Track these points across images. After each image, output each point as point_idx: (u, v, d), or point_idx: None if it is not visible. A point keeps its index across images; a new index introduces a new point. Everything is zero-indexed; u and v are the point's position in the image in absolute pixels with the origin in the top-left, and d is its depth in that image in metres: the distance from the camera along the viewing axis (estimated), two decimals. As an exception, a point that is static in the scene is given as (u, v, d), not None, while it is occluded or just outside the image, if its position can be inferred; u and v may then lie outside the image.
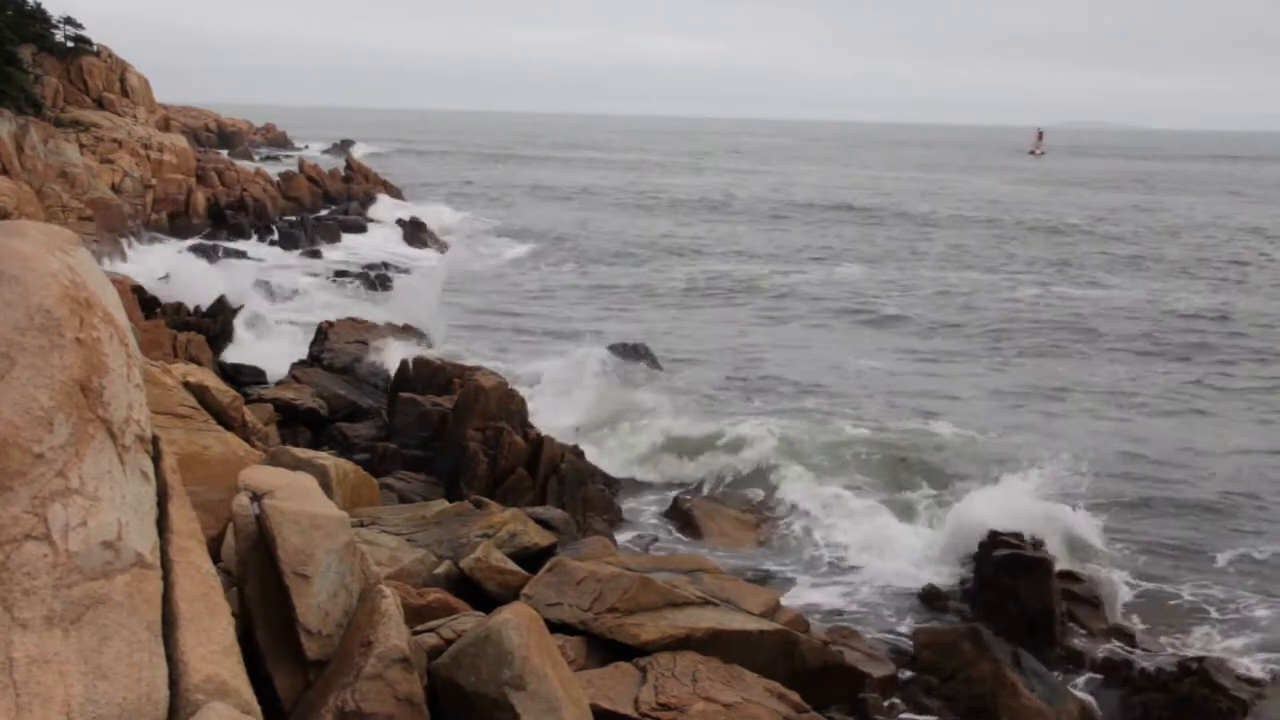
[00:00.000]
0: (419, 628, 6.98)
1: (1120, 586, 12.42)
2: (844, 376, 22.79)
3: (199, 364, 15.79)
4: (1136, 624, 11.87)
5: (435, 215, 49.77)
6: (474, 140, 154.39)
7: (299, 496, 6.00)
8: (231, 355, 20.00)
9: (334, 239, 41.79)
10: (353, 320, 22.00)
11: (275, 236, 40.43)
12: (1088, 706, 10.24)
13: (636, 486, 16.17)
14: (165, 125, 51.71)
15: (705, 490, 15.92)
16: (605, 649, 8.34)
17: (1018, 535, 12.61)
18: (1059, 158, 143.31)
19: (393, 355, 18.96)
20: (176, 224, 39.27)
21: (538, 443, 14.74)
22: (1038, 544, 12.41)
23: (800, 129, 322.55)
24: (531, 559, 9.77)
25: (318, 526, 5.80)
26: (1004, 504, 13.61)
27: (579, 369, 19.44)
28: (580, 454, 15.19)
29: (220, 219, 40.93)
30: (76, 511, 4.13)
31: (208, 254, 32.92)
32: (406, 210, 50.51)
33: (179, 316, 21.68)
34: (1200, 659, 10.66)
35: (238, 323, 21.91)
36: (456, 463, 14.56)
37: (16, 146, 29.64)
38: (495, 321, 27.99)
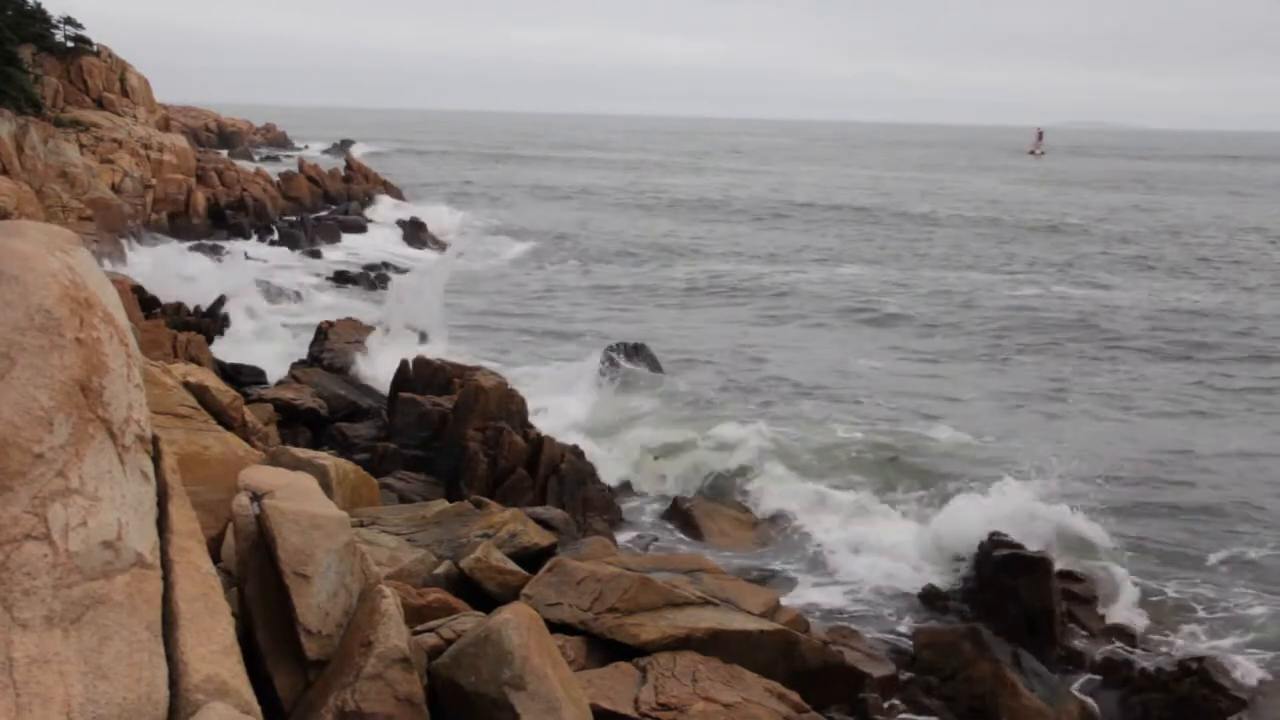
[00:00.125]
0: (419, 628, 6.98)
1: (1120, 587, 12.41)
2: (844, 377, 22.79)
3: (199, 364, 15.79)
4: (1136, 624, 11.87)
5: (435, 215, 49.75)
6: (474, 140, 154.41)
7: (299, 496, 6.00)
8: (231, 355, 20.00)
9: (334, 239, 41.77)
10: (352, 320, 22.02)
11: (275, 236, 40.43)
12: (1088, 706, 10.24)
13: (636, 487, 16.16)
14: (165, 125, 51.71)
15: (705, 492, 15.90)
16: (605, 649, 8.34)
17: (1017, 535, 12.64)
18: (1059, 158, 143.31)
19: (393, 355, 18.95)
20: (176, 224, 39.27)
21: (538, 443, 14.74)
22: (1038, 547, 12.41)
23: (800, 129, 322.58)
24: (531, 559, 9.77)
25: (318, 526, 5.81)
26: (1004, 505, 13.62)
27: (578, 376, 19.50)
28: (580, 454, 15.19)
29: (220, 219, 40.93)
30: (76, 511, 4.13)
31: (208, 253, 32.98)
32: (406, 210, 50.51)
33: (179, 316, 21.70)
34: (1200, 659, 10.65)
35: (238, 317, 21.95)
36: (456, 463, 14.56)
37: (16, 146, 29.64)
38: (496, 321, 28.00)
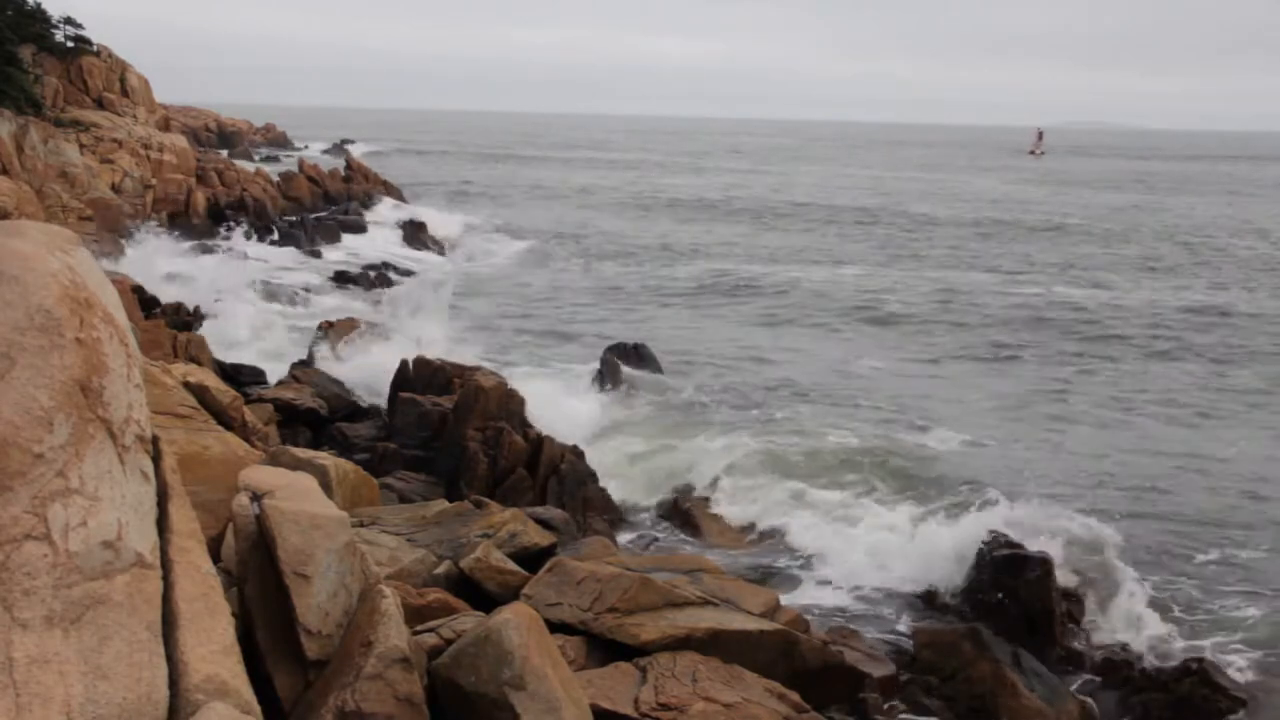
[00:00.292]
0: (419, 628, 6.98)
1: (1120, 587, 12.40)
2: (844, 378, 22.80)
3: (199, 364, 15.79)
4: (1136, 624, 11.86)
5: (435, 216, 49.75)
6: (474, 140, 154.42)
7: (299, 496, 6.00)
8: (231, 355, 19.99)
9: (334, 239, 41.76)
10: (352, 320, 22.01)
11: (275, 236, 40.42)
12: (1087, 706, 10.24)
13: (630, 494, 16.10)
14: (165, 125, 51.71)
15: (705, 494, 15.86)
16: (605, 649, 8.34)
17: (1017, 536, 12.64)
18: (1059, 158, 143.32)
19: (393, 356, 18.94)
20: (176, 224, 39.26)
21: (538, 443, 14.73)
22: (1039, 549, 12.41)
23: (800, 129, 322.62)
24: (531, 559, 9.77)
25: (318, 526, 5.81)
26: (1004, 506, 13.62)
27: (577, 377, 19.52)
28: (580, 454, 15.18)
29: (220, 219, 40.93)
30: (76, 511, 4.13)
31: (208, 253, 32.98)
32: (406, 211, 50.49)
33: (179, 316, 21.69)
34: (1200, 659, 10.66)
35: (236, 316, 21.96)
36: (456, 463, 14.56)
37: (16, 146, 29.65)
38: (496, 322, 27.98)
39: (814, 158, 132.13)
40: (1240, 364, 24.74)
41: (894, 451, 16.94)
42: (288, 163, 68.39)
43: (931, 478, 15.82)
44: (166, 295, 23.73)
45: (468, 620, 7.10)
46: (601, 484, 14.93)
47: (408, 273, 35.67)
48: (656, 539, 14.24)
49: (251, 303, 25.24)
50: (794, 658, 8.83)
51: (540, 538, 10.36)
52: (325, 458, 10.70)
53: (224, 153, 69.98)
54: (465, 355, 20.29)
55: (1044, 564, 11.71)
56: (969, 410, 20.26)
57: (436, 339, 21.78)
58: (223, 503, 7.26)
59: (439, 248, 42.94)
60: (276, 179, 49.73)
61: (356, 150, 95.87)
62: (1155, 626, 11.63)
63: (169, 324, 19.59)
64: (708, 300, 32.61)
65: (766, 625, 8.88)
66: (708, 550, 13.47)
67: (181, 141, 45.89)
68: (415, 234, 44.17)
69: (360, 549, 6.12)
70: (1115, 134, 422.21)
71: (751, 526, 14.66)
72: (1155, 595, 12.32)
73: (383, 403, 17.33)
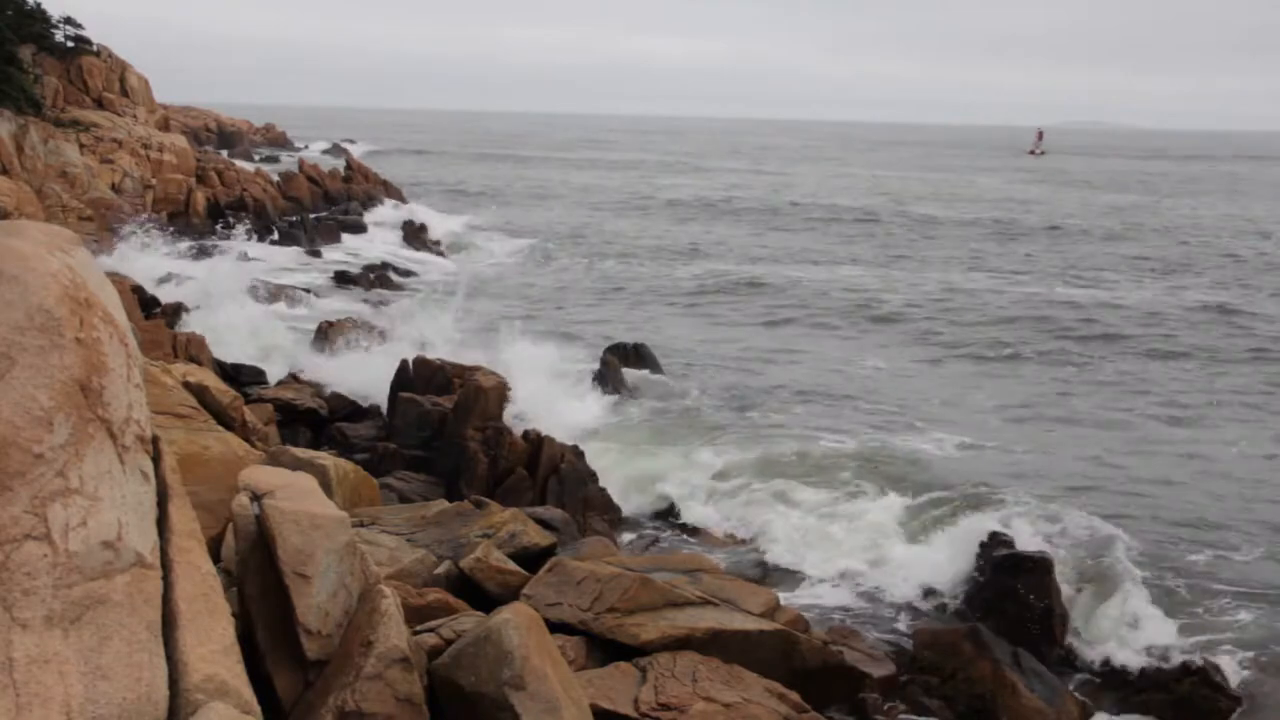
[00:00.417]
0: (419, 628, 6.98)
1: (1120, 586, 12.39)
2: (844, 378, 22.79)
3: (199, 364, 15.79)
4: (1136, 624, 11.85)
5: (435, 216, 49.75)
6: (474, 140, 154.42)
7: (299, 496, 6.00)
8: (232, 355, 19.98)
9: (334, 239, 41.75)
10: (352, 320, 22.01)
11: (275, 236, 40.42)
12: (1087, 706, 10.25)
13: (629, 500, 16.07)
14: (165, 125, 51.70)
15: (705, 494, 15.85)
16: (605, 649, 8.34)
17: (1017, 536, 12.65)
18: (1059, 158, 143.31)
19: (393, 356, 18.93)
20: (176, 224, 39.27)
21: (538, 443, 14.73)
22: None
23: (800, 129, 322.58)
24: (531, 559, 9.77)
25: (318, 526, 5.81)
26: (1003, 506, 13.62)
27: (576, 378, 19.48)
28: (580, 454, 15.18)
29: (220, 219, 40.92)
30: (76, 511, 4.14)
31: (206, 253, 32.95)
32: (406, 211, 50.47)
33: (177, 316, 21.69)
34: (1200, 659, 10.66)
35: (233, 315, 21.96)
36: (456, 463, 14.57)
37: (16, 146, 29.66)
38: (495, 322, 27.96)
39: (814, 158, 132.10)
40: (1240, 364, 24.73)
41: (894, 451, 16.94)
42: (288, 163, 68.38)
43: (931, 477, 15.80)
44: (163, 295, 23.72)
45: (468, 620, 7.10)
46: (601, 484, 14.93)
47: (408, 273, 35.65)
48: (656, 539, 14.24)
49: (251, 303, 25.20)
50: (794, 658, 8.84)
51: (540, 538, 10.36)
52: (325, 458, 10.71)
53: (223, 153, 69.98)
54: (466, 356, 20.26)
55: (1044, 564, 11.71)
56: (969, 410, 20.26)
57: (441, 341, 21.76)
58: (223, 503, 7.26)
59: (439, 248, 42.93)
60: (276, 179, 49.73)
61: (356, 150, 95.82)
62: (1155, 626, 11.61)
63: (167, 324, 19.60)
64: (708, 300, 32.60)
65: (766, 625, 8.89)
66: (708, 550, 13.47)
67: (181, 141, 45.90)
68: (415, 233, 44.17)
69: (360, 549, 6.12)
70: (1115, 134, 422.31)
71: (751, 526, 14.65)
72: (1155, 595, 12.30)
73: (382, 403, 17.32)
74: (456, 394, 15.99)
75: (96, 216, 30.95)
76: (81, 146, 36.30)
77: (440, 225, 47.32)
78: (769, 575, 13.04)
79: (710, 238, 48.26)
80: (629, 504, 15.31)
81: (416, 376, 17.27)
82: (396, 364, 17.61)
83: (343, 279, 32.53)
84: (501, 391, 15.49)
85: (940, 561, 12.89)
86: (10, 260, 4.19)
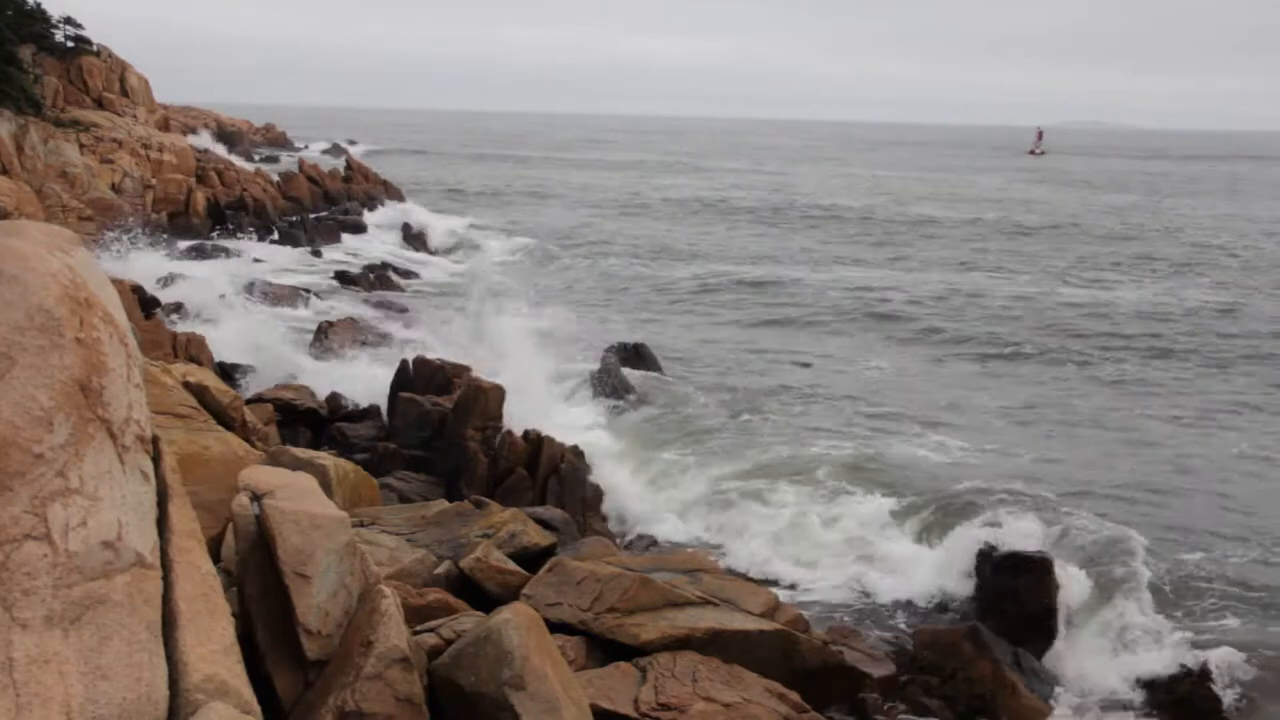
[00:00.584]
0: (419, 628, 6.98)
1: (1121, 586, 12.40)
2: (845, 378, 22.80)
3: (199, 364, 15.78)
4: (1136, 624, 11.85)
5: (435, 216, 49.72)
6: (474, 140, 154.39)
7: (299, 496, 6.00)
8: (229, 354, 19.97)
9: (334, 239, 41.74)
10: (352, 320, 22.01)
11: (275, 236, 40.41)
12: (1087, 706, 10.24)
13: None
14: (165, 125, 51.70)
15: (704, 494, 15.85)
16: (605, 649, 8.34)
17: (1017, 536, 12.64)
18: (1059, 157, 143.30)
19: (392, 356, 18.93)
20: (176, 224, 39.27)
21: (538, 443, 14.73)
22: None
23: (800, 129, 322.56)
24: (531, 559, 9.76)
25: (318, 526, 5.81)
26: (1004, 506, 13.62)
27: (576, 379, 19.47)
28: (580, 454, 15.18)
29: (220, 219, 40.92)
30: (76, 511, 4.13)
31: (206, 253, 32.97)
32: (406, 211, 50.46)
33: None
34: (1200, 659, 10.66)
35: (232, 315, 21.98)
36: (456, 463, 14.56)
37: (16, 146, 29.66)
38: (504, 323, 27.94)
39: (814, 158, 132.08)
40: (1241, 364, 24.73)
41: (894, 451, 16.94)
42: (288, 163, 68.35)
43: (931, 477, 15.81)
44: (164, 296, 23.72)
45: (468, 620, 7.10)
46: (600, 484, 14.93)
47: (408, 273, 35.64)
48: (656, 539, 14.23)
49: (250, 304, 25.19)
50: (794, 658, 8.83)
51: (540, 538, 10.36)
52: (325, 458, 10.70)
53: (222, 148, 69.91)
54: (466, 356, 20.24)
55: (1044, 564, 11.70)
56: (969, 410, 20.26)
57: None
58: (223, 503, 7.26)
59: (439, 249, 42.91)
60: (276, 179, 49.72)
61: (356, 150, 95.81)
62: (1155, 626, 11.62)
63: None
64: (708, 300, 32.60)
65: (766, 625, 8.88)
66: (707, 550, 13.46)
67: (182, 141, 45.90)
68: (415, 233, 44.17)
69: (360, 549, 6.12)
70: (1115, 133, 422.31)
71: (751, 526, 14.65)
72: (1155, 595, 12.31)
73: (382, 403, 17.31)
74: (456, 394, 15.98)
75: (96, 216, 30.94)
76: (81, 146, 36.31)
77: (440, 225, 47.30)
78: (769, 575, 13.04)
79: (710, 238, 48.26)
80: (630, 504, 15.31)
81: (416, 376, 17.27)
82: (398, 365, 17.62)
83: (343, 279, 32.53)
84: (501, 391, 15.48)
85: (941, 561, 12.89)
86: (10, 260, 4.19)
